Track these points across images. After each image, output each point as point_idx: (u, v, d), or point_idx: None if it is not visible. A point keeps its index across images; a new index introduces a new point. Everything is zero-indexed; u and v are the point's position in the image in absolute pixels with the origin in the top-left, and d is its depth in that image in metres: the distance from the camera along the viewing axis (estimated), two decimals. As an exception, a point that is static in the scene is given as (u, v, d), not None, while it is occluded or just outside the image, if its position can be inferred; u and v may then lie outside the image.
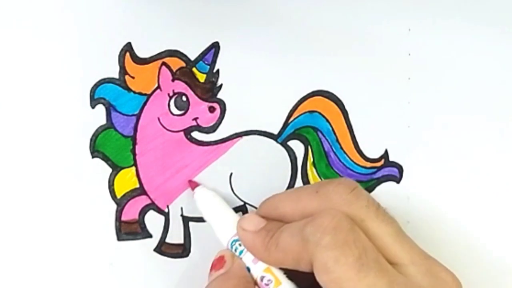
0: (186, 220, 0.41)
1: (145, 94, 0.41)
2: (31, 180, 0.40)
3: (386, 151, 0.42)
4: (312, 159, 0.42)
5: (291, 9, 0.42)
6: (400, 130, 0.42)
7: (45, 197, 0.40)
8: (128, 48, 0.41)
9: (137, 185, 0.41)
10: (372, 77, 0.42)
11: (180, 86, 0.41)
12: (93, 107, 0.41)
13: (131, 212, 0.41)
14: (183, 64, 0.41)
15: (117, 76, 0.41)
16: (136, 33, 0.41)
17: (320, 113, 0.42)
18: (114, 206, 0.40)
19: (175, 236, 0.40)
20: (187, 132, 0.41)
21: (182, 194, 0.41)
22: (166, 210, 0.41)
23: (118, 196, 0.41)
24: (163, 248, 0.41)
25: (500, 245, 0.42)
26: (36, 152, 0.40)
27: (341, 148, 0.42)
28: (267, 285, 0.36)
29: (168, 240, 0.41)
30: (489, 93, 0.43)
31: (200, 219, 0.41)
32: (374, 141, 0.42)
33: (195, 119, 0.41)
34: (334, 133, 0.42)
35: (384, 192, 0.42)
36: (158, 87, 0.41)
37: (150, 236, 0.41)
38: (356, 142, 0.42)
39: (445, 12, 0.43)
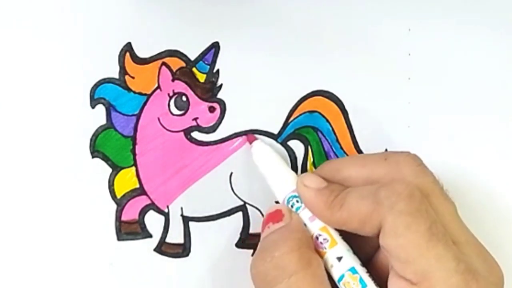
0: (186, 220, 0.41)
1: (145, 94, 0.41)
2: (31, 180, 0.40)
3: (386, 151, 0.42)
4: (312, 159, 0.42)
5: (291, 9, 0.42)
6: (400, 130, 0.42)
7: (45, 197, 0.40)
8: (128, 48, 0.41)
9: (137, 185, 0.41)
10: (372, 77, 0.42)
11: (180, 86, 0.41)
12: (93, 107, 0.41)
13: (131, 212, 0.41)
14: (183, 64, 0.41)
15: (117, 76, 0.41)
16: (136, 33, 0.41)
17: (320, 113, 0.42)
18: (114, 206, 0.40)
19: (175, 236, 0.40)
20: (187, 132, 0.41)
21: (182, 194, 0.41)
22: (166, 210, 0.41)
23: (118, 196, 0.41)
24: (163, 248, 0.41)
25: (500, 245, 0.42)
26: (36, 152, 0.40)
27: (341, 148, 0.42)
28: (322, 243, 0.36)
29: (168, 240, 0.41)
30: (489, 93, 0.43)
31: (200, 219, 0.41)
32: (374, 141, 0.42)
33: (195, 119, 0.41)
34: (334, 133, 0.42)
35: (384, 192, 0.42)
36: (158, 87, 0.41)
37: (150, 236, 0.41)
38: (356, 142, 0.42)
39: (445, 12, 0.43)
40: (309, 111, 0.42)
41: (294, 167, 0.41)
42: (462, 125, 0.42)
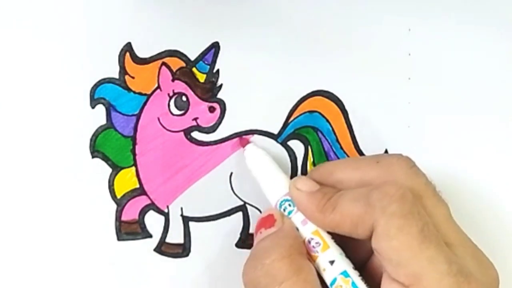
0: (186, 220, 0.41)
1: (145, 94, 0.41)
2: (31, 180, 0.40)
3: (386, 151, 0.42)
4: (312, 159, 0.42)
5: (291, 9, 0.42)
6: (400, 130, 0.42)
7: (45, 197, 0.40)
8: (128, 48, 0.41)
9: (137, 185, 0.41)
10: (372, 77, 0.42)
11: (180, 86, 0.41)
12: (93, 107, 0.41)
13: (131, 212, 0.41)
14: (183, 64, 0.41)
15: (117, 76, 0.41)
16: (136, 33, 0.41)
17: (320, 113, 0.42)
18: (114, 206, 0.40)
19: (175, 236, 0.40)
20: (187, 132, 0.41)
21: (182, 194, 0.41)
22: (166, 210, 0.41)
23: (118, 196, 0.41)
24: (163, 248, 0.41)
25: (501, 245, 0.42)
26: (36, 152, 0.40)
27: (341, 148, 0.42)
28: (314, 247, 0.36)
29: (168, 240, 0.41)
30: (489, 93, 0.43)
31: (200, 219, 0.41)
32: (374, 141, 0.42)
33: (195, 119, 0.41)
34: (334, 133, 0.42)
35: (384, 192, 0.42)
36: (158, 87, 0.41)
37: (150, 236, 0.41)
38: (356, 142, 0.42)
39: (445, 12, 0.43)
40: (309, 111, 0.42)
41: (294, 167, 0.41)
42: (462, 125, 0.42)
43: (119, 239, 0.40)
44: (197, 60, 0.41)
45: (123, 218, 0.40)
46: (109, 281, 0.40)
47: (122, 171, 0.41)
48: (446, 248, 0.33)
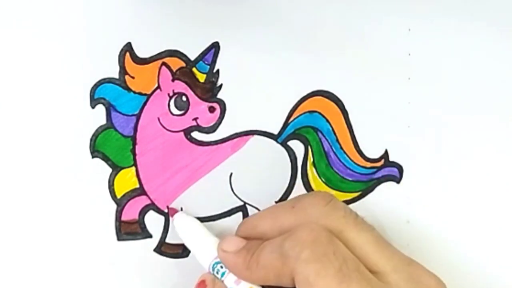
0: (186, 220, 0.41)
1: (145, 94, 0.41)
2: (31, 180, 0.40)
3: (386, 151, 0.42)
4: (312, 159, 0.42)
5: (290, 9, 0.42)
6: (400, 130, 0.42)
7: (45, 197, 0.40)
8: (128, 48, 0.41)
9: (137, 185, 0.41)
10: (372, 77, 0.42)
11: (180, 86, 0.41)
12: (93, 107, 0.41)
13: (131, 212, 0.41)
14: (183, 64, 0.41)
15: (117, 76, 0.41)
16: (136, 33, 0.41)
17: (320, 113, 0.42)
18: (114, 206, 0.40)
19: (175, 236, 0.40)
20: (187, 132, 0.41)
21: (182, 194, 0.41)
22: (166, 210, 0.41)
23: (118, 196, 0.41)
24: (163, 248, 0.41)
25: (501, 244, 0.42)
26: (36, 152, 0.40)
27: (341, 148, 0.42)
28: None
29: (168, 240, 0.41)
30: (489, 93, 0.43)
31: (200, 219, 0.41)
32: (374, 141, 0.42)
33: (195, 119, 0.41)
34: (334, 133, 0.42)
35: (384, 192, 0.42)
36: (158, 87, 0.41)
37: (150, 236, 0.41)
38: (356, 142, 0.42)
39: (445, 12, 0.43)
40: (309, 111, 0.42)
41: (294, 167, 0.41)
42: (462, 125, 0.42)
43: (119, 239, 0.40)
44: (197, 60, 0.41)
45: (123, 218, 0.40)
46: (109, 281, 0.40)
47: (122, 171, 0.41)
48: (372, 280, 0.33)
